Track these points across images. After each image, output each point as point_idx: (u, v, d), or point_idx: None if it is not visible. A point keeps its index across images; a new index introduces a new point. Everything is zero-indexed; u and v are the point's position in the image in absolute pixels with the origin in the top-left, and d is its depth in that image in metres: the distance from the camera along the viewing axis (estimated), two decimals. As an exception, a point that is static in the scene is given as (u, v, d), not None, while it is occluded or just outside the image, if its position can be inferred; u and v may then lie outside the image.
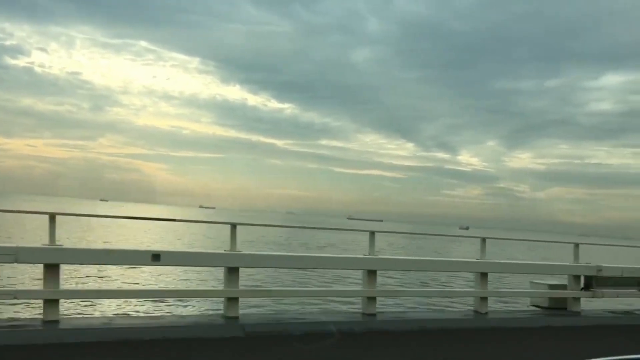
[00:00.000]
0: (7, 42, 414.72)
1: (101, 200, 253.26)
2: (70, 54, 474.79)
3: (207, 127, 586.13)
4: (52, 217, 7.37)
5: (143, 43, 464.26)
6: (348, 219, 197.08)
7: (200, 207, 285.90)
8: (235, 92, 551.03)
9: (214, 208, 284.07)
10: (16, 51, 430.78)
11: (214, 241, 35.51)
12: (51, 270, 7.30)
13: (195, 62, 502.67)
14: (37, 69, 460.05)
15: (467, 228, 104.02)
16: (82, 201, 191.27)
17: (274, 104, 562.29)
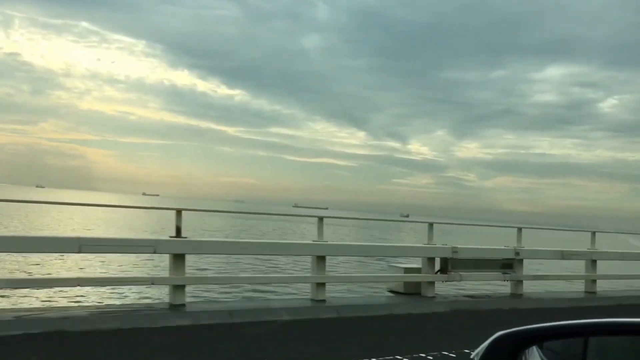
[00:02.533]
0: None
1: (37, 186, 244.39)
2: (8, 34, 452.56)
3: (155, 112, 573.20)
4: None
5: (84, 24, 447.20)
6: (294, 207, 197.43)
7: (144, 194, 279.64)
8: (183, 77, 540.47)
9: (157, 195, 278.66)
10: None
11: (153, 228, 34.68)
12: None
13: (141, 45, 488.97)
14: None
15: (407, 216, 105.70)
16: (18, 187, 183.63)
17: (223, 90, 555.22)
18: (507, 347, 1.74)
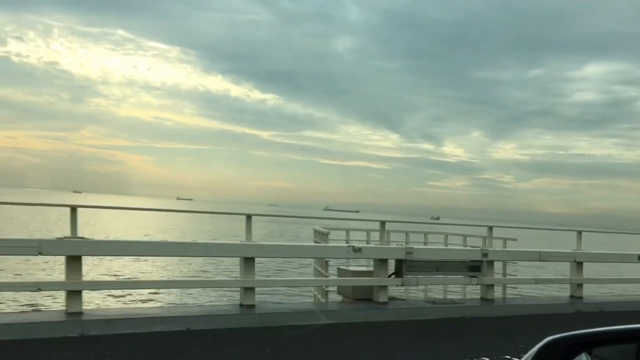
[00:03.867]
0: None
1: (75, 191, 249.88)
2: (47, 43, 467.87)
3: (190, 118, 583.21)
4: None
5: (121, 32, 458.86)
6: (324, 210, 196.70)
7: (178, 198, 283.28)
8: (217, 83, 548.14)
9: (191, 199, 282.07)
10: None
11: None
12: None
13: (175, 51, 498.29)
14: (14, 59, 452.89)
15: (437, 218, 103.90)
16: (55, 193, 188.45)
17: (257, 95, 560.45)
18: (559, 353, 1.72)
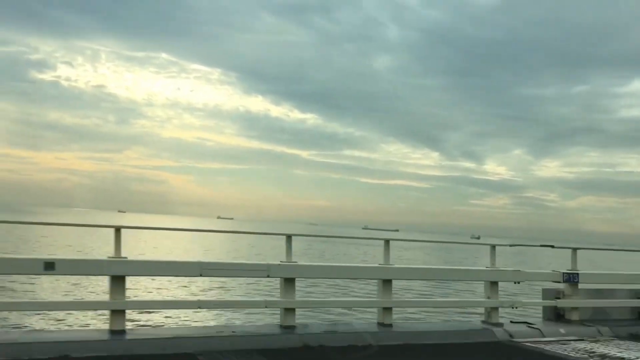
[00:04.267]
0: (33, 57, 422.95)
1: (119, 211, 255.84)
2: (95, 68, 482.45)
3: (231, 138, 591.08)
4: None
5: (164, 55, 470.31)
6: (363, 229, 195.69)
7: (219, 217, 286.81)
8: (257, 103, 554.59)
9: (232, 219, 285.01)
10: (42, 65, 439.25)
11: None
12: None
13: (216, 73, 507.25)
14: (64, 83, 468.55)
15: (478, 237, 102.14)
16: (100, 212, 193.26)
17: (296, 114, 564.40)
18: None
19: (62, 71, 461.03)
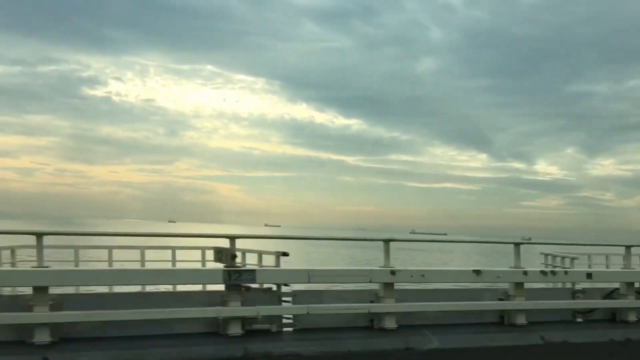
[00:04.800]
0: (85, 74, 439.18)
1: (170, 221, 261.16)
2: (144, 82, 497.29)
3: (277, 146, 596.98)
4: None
5: (209, 67, 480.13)
6: (410, 233, 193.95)
7: (266, 225, 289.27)
8: (302, 111, 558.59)
9: (279, 226, 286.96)
10: (94, 82, 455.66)
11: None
12: None
13: (260, 82, 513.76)
14: (114, 98, 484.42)
15: (529, 239, 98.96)
16: (152, 223, 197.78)
17: (340, 121, 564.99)
18: None
19: (113, 87, 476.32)
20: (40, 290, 6.84)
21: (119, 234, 9.15)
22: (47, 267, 7.22)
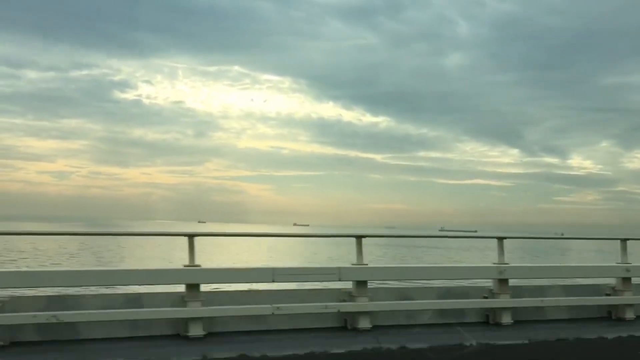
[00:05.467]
0: (116, 78, 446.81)
1: (199, 222, 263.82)
2: (173, 84, 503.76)
3: (305, 145, 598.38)
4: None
5: (237, 68, 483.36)
6: (440, 230, 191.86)
7: (295, 224, 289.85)
8: (329, 109, 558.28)
9: (307, 225, 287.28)
10: (124, 85, 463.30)
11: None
12: None
13: (287, 82, 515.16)
14: (145, 101, 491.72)
15: (562, 234, 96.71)
16: (181, 223, 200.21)
17: (368, 118, 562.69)
18: None
19: (143, 90, 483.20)
20: None
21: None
22: None
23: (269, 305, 7.63)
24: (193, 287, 7.39)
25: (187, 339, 7.32)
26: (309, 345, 7.16)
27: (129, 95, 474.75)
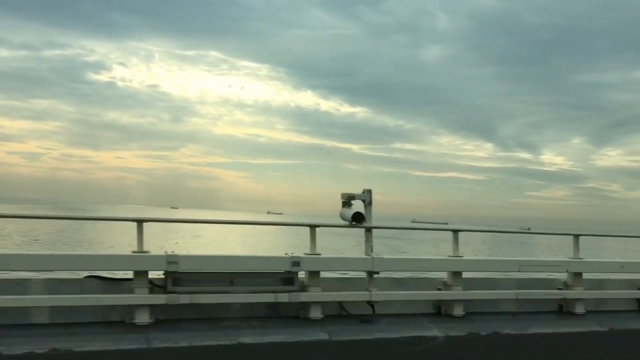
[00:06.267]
0: (90, 59, 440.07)
1: (172, 207, 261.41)
2: (149, 67, 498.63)
3: (282, 133, 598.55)
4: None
5: (214, 53, 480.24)
6: (412, 222, 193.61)
7: (268, 212, 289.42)
8: (307, 98, 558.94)
9: (281, 214, 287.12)
10: (98, 67, 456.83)
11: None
12: None
13: (265, 69, 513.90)
14: (119, 83, 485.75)
15: (528, 229, 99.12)
16: (153, 209, 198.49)
17: (346, 108, 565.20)
18: None
19: (118, 72, 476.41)
20: None
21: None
22: None
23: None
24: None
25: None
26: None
27: (103, 77, 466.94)
